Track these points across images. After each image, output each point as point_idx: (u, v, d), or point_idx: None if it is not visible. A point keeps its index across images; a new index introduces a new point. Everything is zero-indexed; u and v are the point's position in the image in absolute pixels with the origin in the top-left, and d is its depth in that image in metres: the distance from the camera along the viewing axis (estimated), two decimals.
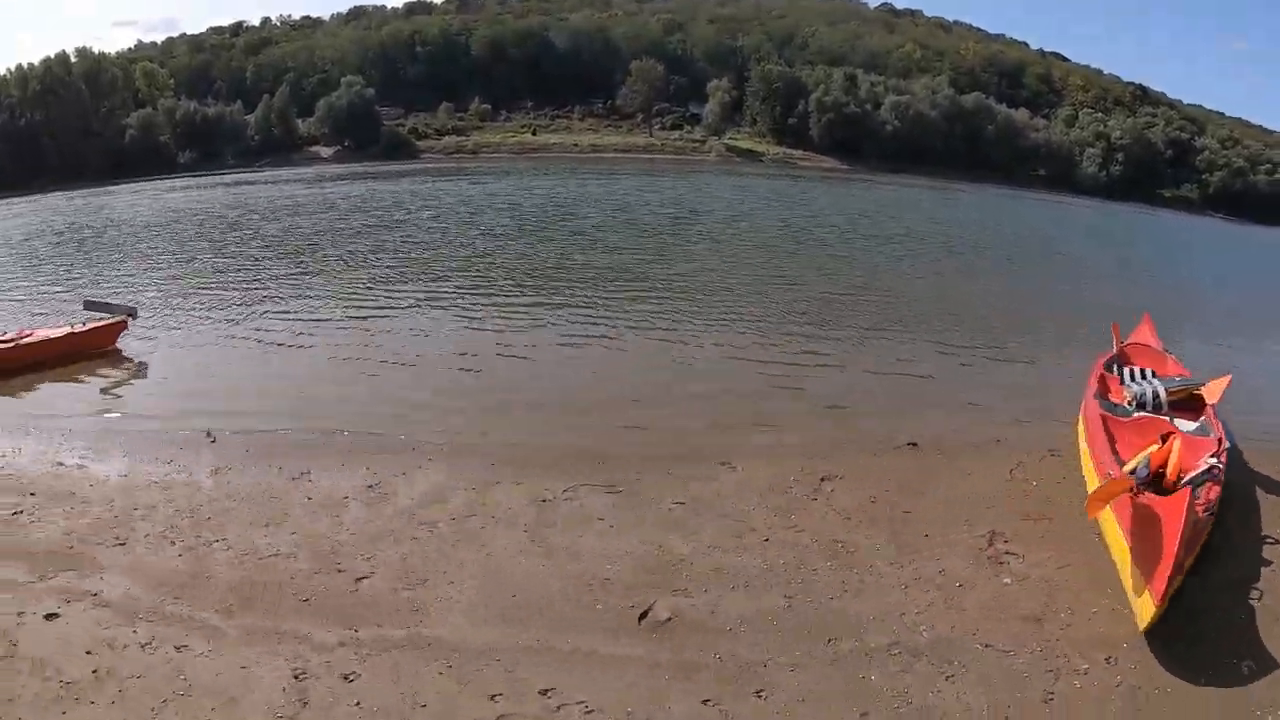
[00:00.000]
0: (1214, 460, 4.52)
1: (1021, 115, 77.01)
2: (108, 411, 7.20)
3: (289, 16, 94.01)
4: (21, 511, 4.88)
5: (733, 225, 22.07)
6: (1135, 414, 5.72)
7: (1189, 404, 5.94)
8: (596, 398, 7.35)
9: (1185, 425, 5.41)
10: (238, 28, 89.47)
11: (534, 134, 74.79)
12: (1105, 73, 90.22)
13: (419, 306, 10.91)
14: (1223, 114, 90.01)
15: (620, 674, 3.36)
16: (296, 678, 3.33)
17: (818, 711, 3.16)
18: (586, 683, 3.31)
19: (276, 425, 6.39)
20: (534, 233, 19.09)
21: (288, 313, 10.62)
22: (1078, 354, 8.79)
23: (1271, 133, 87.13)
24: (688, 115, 78.94)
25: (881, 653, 3.48)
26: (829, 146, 71.72)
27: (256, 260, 15.18)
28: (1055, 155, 75.43)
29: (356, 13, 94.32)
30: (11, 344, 8.54)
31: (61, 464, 5.69)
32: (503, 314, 10.51)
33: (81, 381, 8.22)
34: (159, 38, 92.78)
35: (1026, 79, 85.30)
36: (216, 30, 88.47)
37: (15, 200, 40.22)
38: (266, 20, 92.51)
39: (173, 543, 4.41)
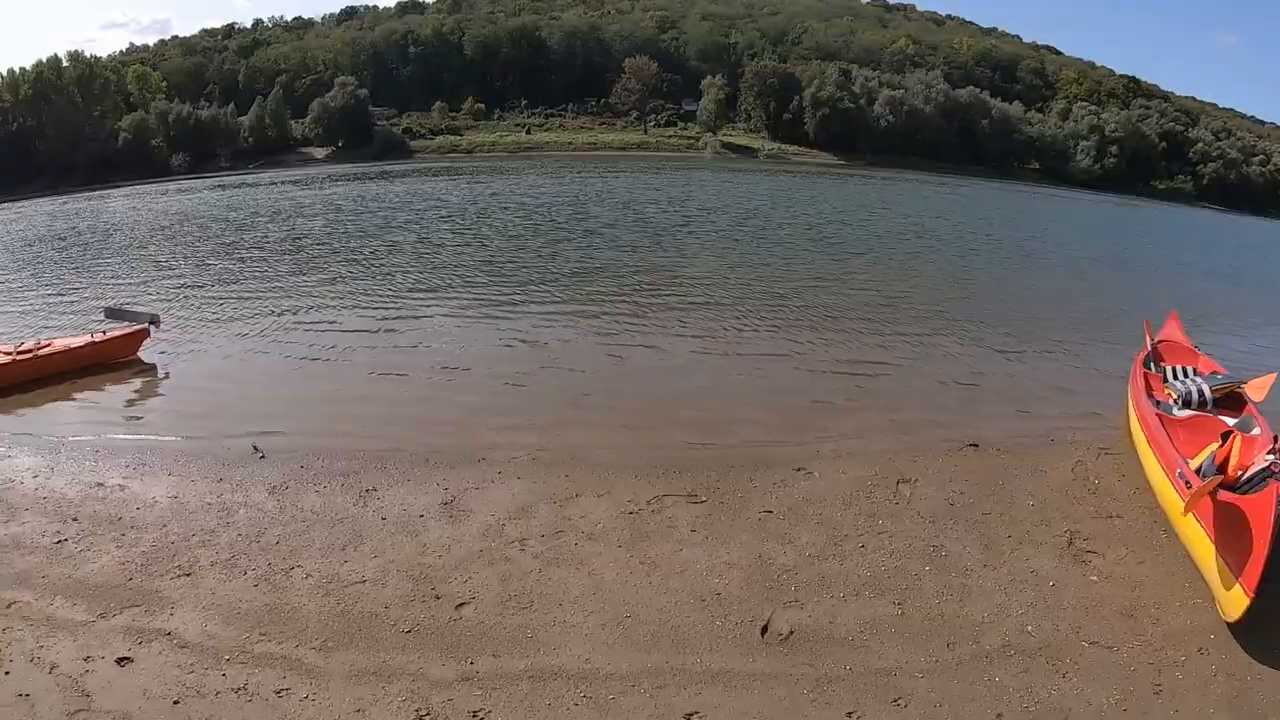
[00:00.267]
0: (1273, 457, 4.53)
1: (1015, 109, 77.15)
2: (138, 426, 6.83)
3: (281, 18, 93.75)
4: (66, 539, 4.56)
5: (745, 224, 21.79)
6: (1183, 412, 5.80)
7: (1227, 401, 6.01)
8: (652, 404, 7.10)
9: (1230, 422, 5.41)
10: (230, 30, 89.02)
11: (528, 133, 74.54)
12: (1099, 65, 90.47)
13: (448, 312, 10.54)
14: (1215, 105, 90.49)
15: (760, 691, 3.30)
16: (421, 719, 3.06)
17: (957, 715, 3.19)
18: (729, 703, 3.24)
19: (325, 439, 6.07)
20: (548, 232, 18.76)
21: (313, 320, 10.25)
22: (1108, 350, 9.06)
23: (1264, 124, 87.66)
24: (682, 112, 78.82)
25: (999, 654, 3.53)
26: (824, 142, 71.78)
27: (271, 265, 14.78)
28: (1049, 148, 75.59)
29: (348, 13, 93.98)
30: (31, 355, 8.17)
31: (101, 484, 5.36)
32: (538, 319, 10.14)
33: (106, 394, 7.86)
34: (150, 40, 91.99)
35: (1020, 73, 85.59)
36: (209, 33, 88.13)
37: (7, 204, 39.71)
38: (259, 22, 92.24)
39: (244, 572, 4.10)
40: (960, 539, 4.52)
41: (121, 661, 3.41)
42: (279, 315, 10.56)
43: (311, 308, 10.91)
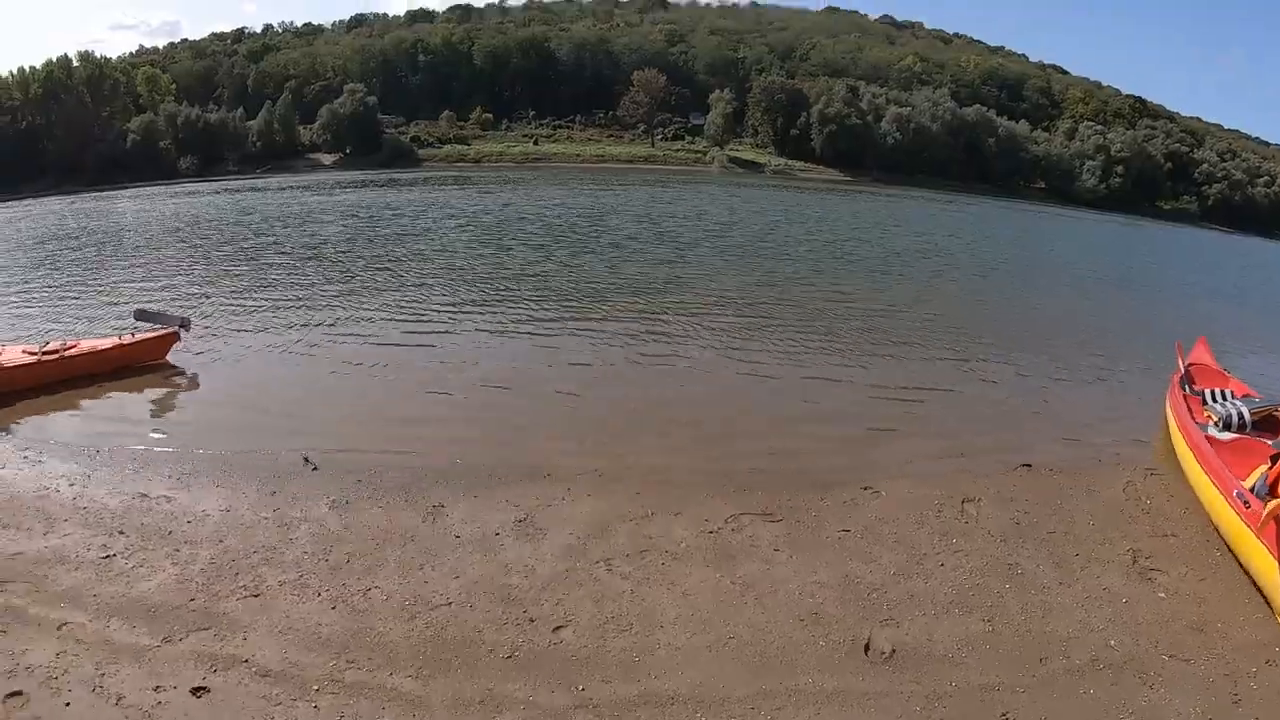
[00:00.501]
0: None
1: (1022, 128, 77.39)
2: (175, 434, 6.55)
3: (291, 23, 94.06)
4: (115, 554, 4.29)
5: (766, 240, 21.68)
6: (1226, 435, 5.89)
7: (1264, 424, 6.20)
8: (706, 422, 6.94)
9: (1271, 444, 5.56)
10: (240, 34, 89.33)
11: (536, 144, 74.59)
12: (1104, 85, 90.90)
13: (484, 326, 10.25)
14: (1220, 126, 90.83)
15: (875, 710, 3.33)
16: None
17: None
18: None
19: (376, 453, 5.81)
20: (571, 244, 18.56)
21: (345, 330, 9.96)
22: (1139, 371, 9.40)
23: (1268, 145, 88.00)
24: (689, 126, 78.93)
25: (1089, 668, 3.63)
26: (830, 158, 71.80)
27: (295, 271, 14.51)
28: (1055, 168, 75.76)
29: (358, 20, 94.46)
30: (57, 356, 7.92)
31: (145, 495, 5.10)
32: (575, 333, 9.91)
33: (137, 399, 7.60)
34: (160, 42, 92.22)
35: (1026, 91, 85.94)
36: (218, 36, 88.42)
37: (14, 202, 39.56)
38: (269, 27, 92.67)
39: (317, 593, 3.85)
40: (1032, 557, 4.63)
41: (197, 692, 3.15)
42: (309, 323, 10.29)
43: (341, 317, 10.64)
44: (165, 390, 7.88)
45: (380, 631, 3.58)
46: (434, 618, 3.72)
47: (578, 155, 72.12)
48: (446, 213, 26.35)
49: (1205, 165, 77.78)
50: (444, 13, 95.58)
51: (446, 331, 9.94)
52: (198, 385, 8.03)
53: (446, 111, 75.97)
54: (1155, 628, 3.96)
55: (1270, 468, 4.66)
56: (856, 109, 73.18)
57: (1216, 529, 4.93)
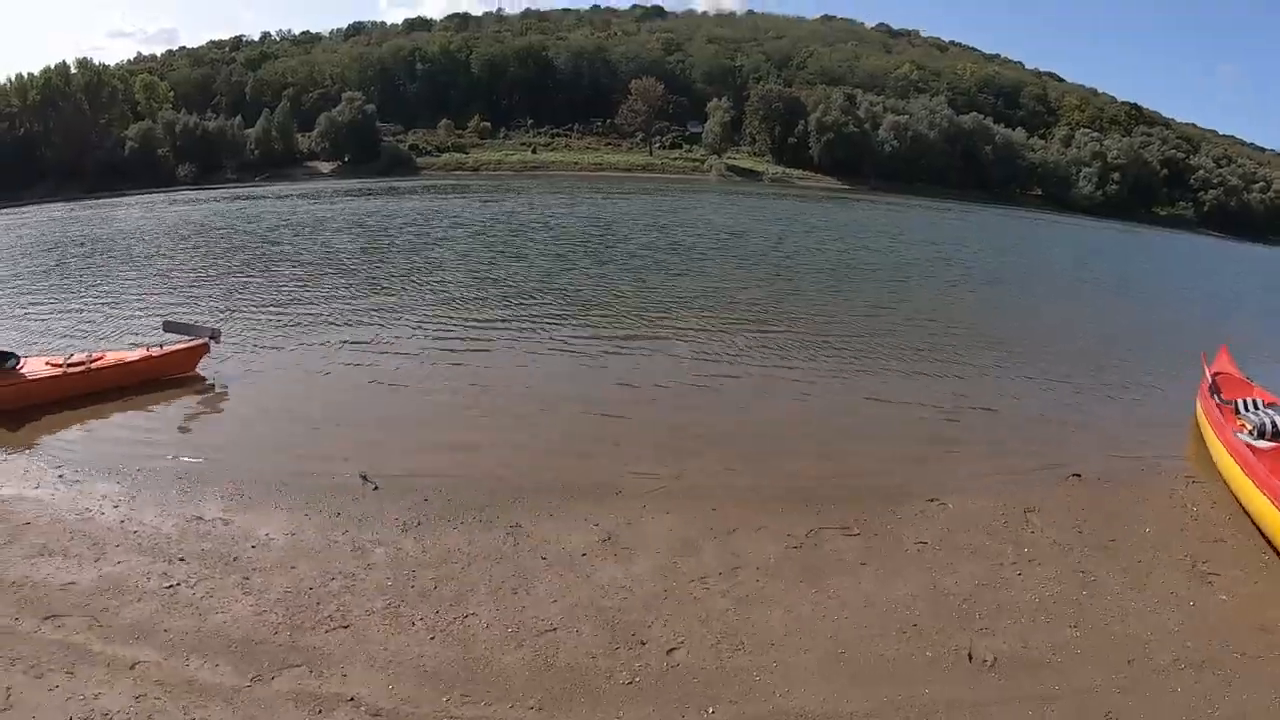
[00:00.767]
0: None
1: (1018, 135, 77.64)
2: (217, 451, 6.31)
3: (289, 31, 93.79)
4: (179, 584, 4.07)
5: (778, 249, 21.61)
6: (1263, 443, 5.99)
7: None
8: (762, 436, 6.91)
9: None
10: (237, 42, 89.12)
11: (534, 152, 74.46)
12: (1100, 92, 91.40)
13: (518, 338, 10.02)
14: (1216, 133, 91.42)
15: (993, 717, 3.40)
16: None
17: None
18: None
19: (434, 472, 5.60)
20: (589, 254, 18.40)
21: (372, 342, 9.74)
22: (1161, 379, 9.63)
23: (1264, 151, 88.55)
24: (687, 134, 78.93)
25: (1172, 668, 3.76)
26: (828, 166, 71.83)
27: (312, 280, 14.24)
28: (1052, 175, 76.04)
29: (356, 29, 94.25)
30: (83, 368, 7.67)
31: (200, 518, 4.87)
32: (618, 348, 9.72)
33: (169, 413, 7.38)
34: (157, 50, 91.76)
35: (1023, 99, 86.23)
36: (216, 44, 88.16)
37: (12, 209, 39.16)
38: (266, 35, 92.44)
39: (411, 622, 3.66)
40: (1101, 565, 4.76)
41: None
42: (336, 336, 10.05)
43: (369, 330, 10.40)
44: (198, 405, 7.65)
45: (489, 661, 3.44)
46: (541, 645, 3.61)
47: (576, 164, 71.99)
48: (454, 221, 26.15)
49: (1201, 171, 78.11)
50: (441, 21, 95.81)
51: (482, 348, 9.68)
52: (231, 399, 7.80)
53: (444, 120, 75.81)
54: (1224, 629, 4.08)
55: None
56: (854, 117, 73.33)
57: (1264, 534, 5.11)
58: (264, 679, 3.24)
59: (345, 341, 9.75)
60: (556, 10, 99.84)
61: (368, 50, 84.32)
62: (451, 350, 9.43)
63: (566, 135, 78.80)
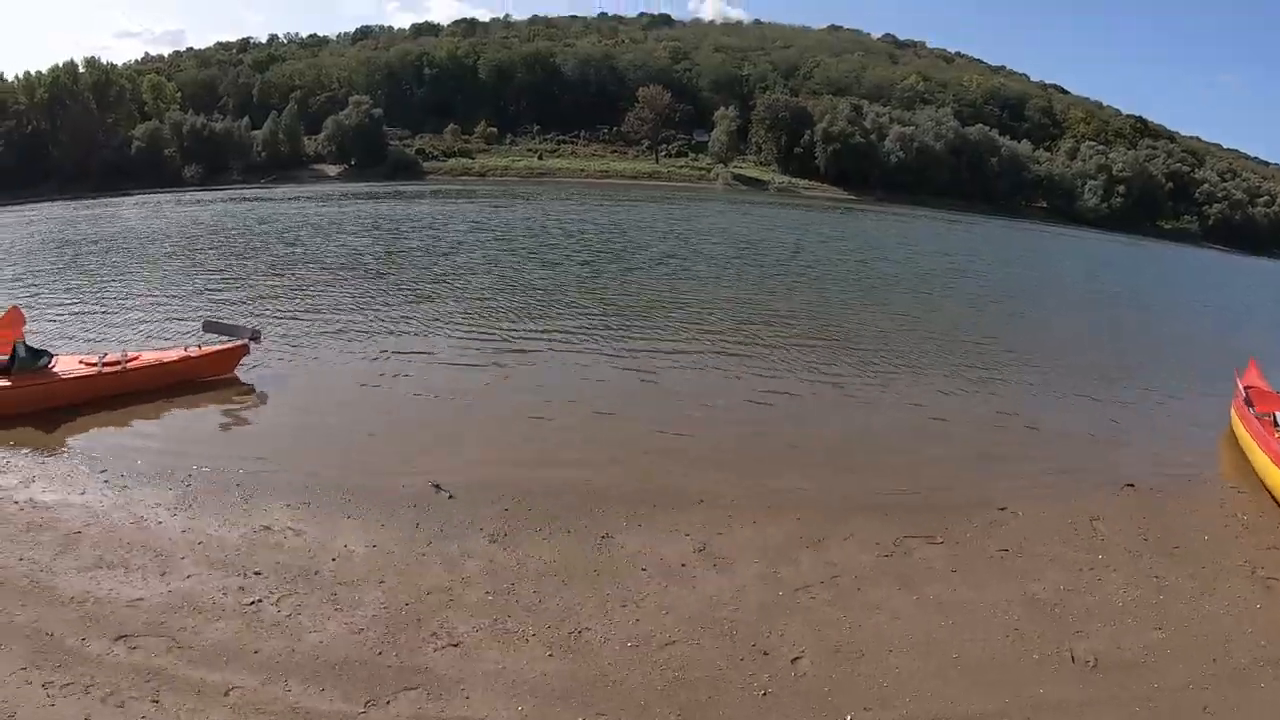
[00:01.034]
0: None
1: (1024, 147, 77.71)
2: (268, 455, 6.05)
3: (296, 34, 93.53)
4: (261, 600, 3.81)
5: (797, 259, 21.68)
6: None
7: None
8: (828, 447, 7.01)
9: None
10: (245, 44, 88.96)
11: (540, 159, 74.35)
12: (1105, 105, 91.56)
13: (564, 345, 9.84)
14: (1220, 146, 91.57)
15: (1104, 714, 3.48)
16: None
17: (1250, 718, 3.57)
18: None
19: (504, 480, 5.37)
20: (615, 260, 18.29)
21: (410, 347, 9.49)
22: (1190, 390, 10.03)
23: (1268, 165, 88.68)
24: (693, 143, 78.86)
25: (1253, 666, 3.90)
26: (834, 176, 71.75)
27: (337, 284, 13.96)
28: (1057, 187, 76.08)
29: (364, 33, 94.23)
30: (119, 368, 7.42)
31: (268, 528, 4.61)
32: (660, 357, 9.57)
33: (211, 415, 7.14)
34: (164, 51, 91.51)
35: (1028, 111, 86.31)
36: (224, 46, 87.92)
37: (20, 207, 38.91)
38: (274, 38, 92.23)
39: (524, 638, 3.50)
40: (1170, 570, 4.92)
41: None
42: (375, 341, 9.82)
43: (408, 335, 10.17)
44: (240, 407, 7.39)
45: (616, 678, 3.33)
46: (665, 658, 3.53)
47: (582, 170, 71.93)
48: (471, 225, 25.96)
49: (1206, 185, 78.25)
50: (449, 26, 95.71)
51: (526, 357, 9.43)
52: (275, 404, 7.55)
53: (451, 125, 75.68)
54: None
55: None
56: (860, 127, 73.30)
57: None
58: (379, 704, 3.01)
59: (386, 348, 9.50)
60: (564, 17, 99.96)
61: (375, 54, 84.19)
62: (497, 359, 9.18)
63: (573, 142, 78.69)
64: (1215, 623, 4.28)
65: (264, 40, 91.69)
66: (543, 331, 10.48)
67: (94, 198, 45.81)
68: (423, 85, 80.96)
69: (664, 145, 77.72)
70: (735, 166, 74.29)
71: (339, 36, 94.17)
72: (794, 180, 72.58)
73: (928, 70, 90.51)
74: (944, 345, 11.60)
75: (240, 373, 8.18)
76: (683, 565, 4.44)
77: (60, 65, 59.98)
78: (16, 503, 5.16)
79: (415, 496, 5.03)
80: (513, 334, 10.35)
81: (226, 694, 3.11)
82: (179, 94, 69.91)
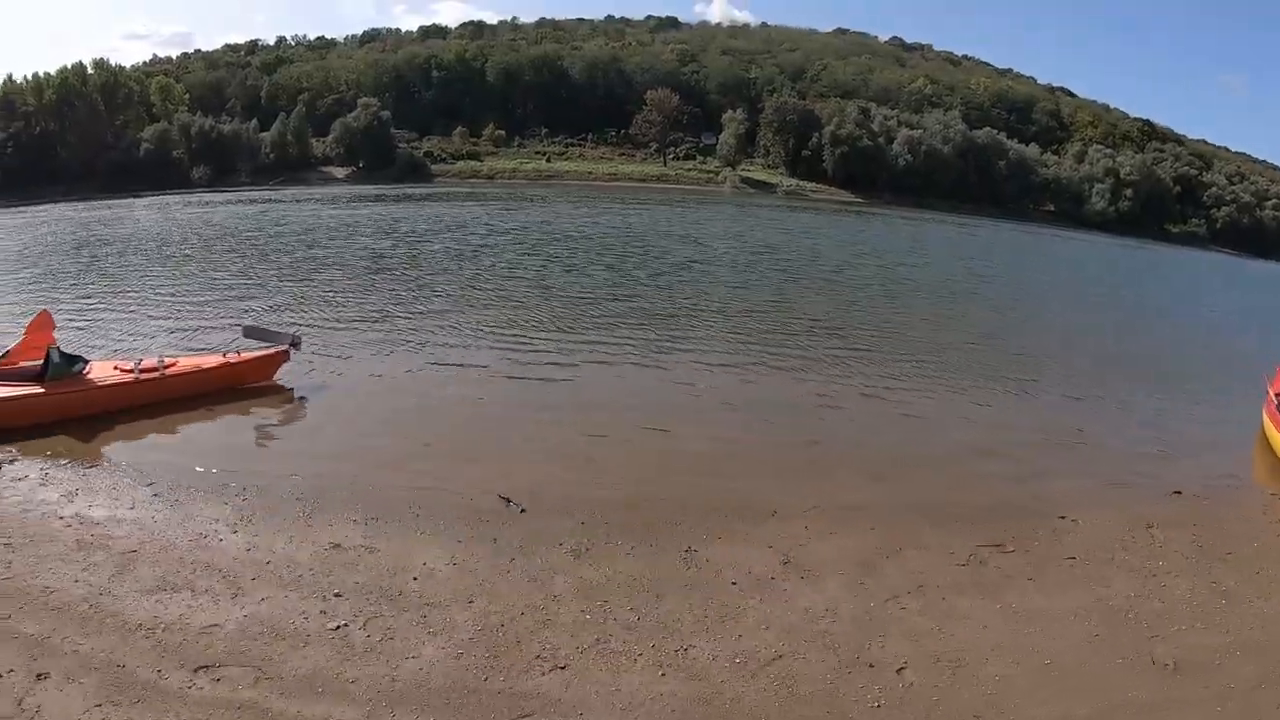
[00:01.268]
0: None
1: (1032, 150, 77.46)
2: (321, 467, 5.84)
3: (304, 36, 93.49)
4: (347, 625, 3.61)
5: (817, 264, 21.69)
6: None
7: None
8: (884, 457, 7.00)
9: None
10: (253, 46, 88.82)
11: (549, 161, 74.18)
12: (1113, 108, 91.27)
13: (601, 355, 9.64)
14: (1228, 150, 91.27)
15: (1190, 714, 3.58)
16: None
17: None
18: None
19: (568, 493, 5.21)
20: (639, 265, 18.14)
21: (451, 357, 9.29)
22: (1220, 396, 10.27)
23: (1277, 168, 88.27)
24: (701, 145, 78.68)
25: None
26: (842, 179, 71.51)
27: (365, 288, 13.75)
28: (1064, 190, 75.81)
29: (371, 35, 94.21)
30: (156, 374, 7.23)
31: (338, 545, 4.41)
32: (704, 365, 9.45)
33: (255, 423, 6.97)
34: (172, 53, 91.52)
35: (1036, 114, 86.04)
36: (232, 48, 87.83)
37: (27, 208, 38.82)
38: (282, 40, 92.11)
39: (632, 658, 3.42)
40: (1227, 575, 5.02)
41: None
42: (412, 349, 9.65)
43: (445, 343, 9.97)
44: (285, 416, 7.21)
45: (732, 695, 3.30)
46: (775, 673, 3.51)
47: (590, 173, 71.72)
48: (487, 228, 25.80)
49: (1214, 188, 77.94)
50: (456, 29, 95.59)
51: (568, 367, 9.22)
52: (319, 412, 7.36)
53: (459, 127, 75.52)
54: None
55: None
56: (868, 130, 73.10)
57: None
58: None
59: (422, 356, 9.32)
60: (571, 20, 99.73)
61: (383, 57, 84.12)
62: (539, 369, 8.99)
63: (581, 145, 78.51)
64: (1271, 628, 4.39)
65: (272, 42, 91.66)
66: (580, 340, 10.27)
67: (102, 199, 45.74)
68: (430, 88, 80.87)
69: (672, 148, 77.49)
70: (743, 169, 74.07)
71: (346, 39, 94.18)
72: (802, 183, 72.33)
73: (935, 73, 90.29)
74: (978, 354, 11.65)
75: (279, 379, 7.97)
76: (771, 578, 4.42)
77: (69, 66, 59.99)
78: (62, 518, 4.96)
79: (486, 511, 4.87)
80: (549, 342, 10.16)
81: None
82: (187, 96, 69.79)
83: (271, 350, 7.95)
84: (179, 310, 11.49)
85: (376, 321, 10.95)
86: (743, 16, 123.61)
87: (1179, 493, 6.48)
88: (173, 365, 7.49)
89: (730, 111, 74.95)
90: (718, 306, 13.28)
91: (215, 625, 3.71)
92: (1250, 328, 18.74)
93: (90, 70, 61.08)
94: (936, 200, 68.48)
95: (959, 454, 7.22)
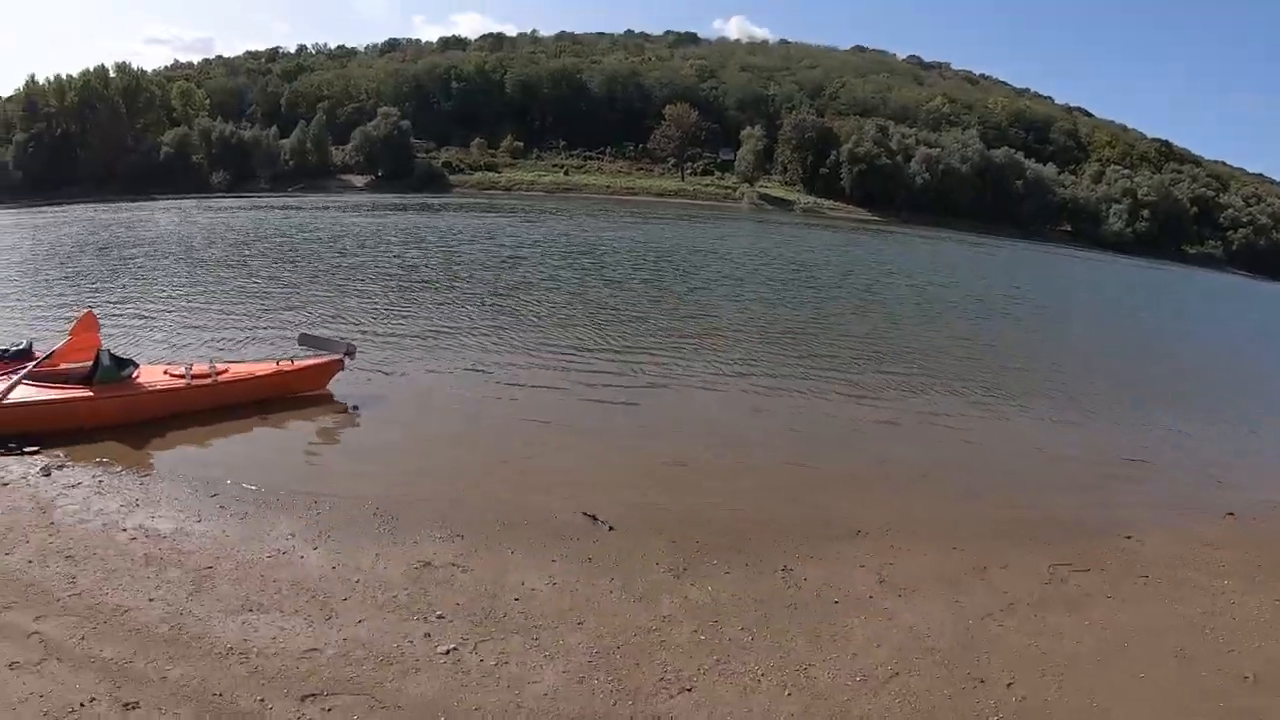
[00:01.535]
0: None
1: (1049, 170, 77.35)
2: (392, 479, 5.61)
3: (325, 45, 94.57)
4: (456, 648, 3.38)
5: (848, 281, 21.51)
6: None
7: None
8: (947, 475, 6.96)
9: None
10: (274, 53, 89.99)
11: (566, 174, 74.51)
12: (1130, 128, 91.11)
13: (656, 374, 9.37)
14: (1245, 171, 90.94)
15: None
16: None
17: None
18: None
19: (652, 511, 5.05)
20: (674, 280, 17.96)
21: (507, 372, 8.98)
22: (1260, 420, 10.49)
23: None
24: (719, 161, 78.84)
25: None
26: (859, 197, 71.50)
27: (405, 298, 13.48)
28: (1082, 211, 75.62)
29: (392, 45, 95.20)
30: (209, 380, 7.03)
31: (428, 564, 4.19)
32: (759, 385, 9.27)
33: (312, 432, 6.74)
34: (194, 58, 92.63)
35: (1053, 134, 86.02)
36: (253, 55, 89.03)
37: (52, 209, 39.10)
38: (302, 48, 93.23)
39: (755, 678, 3.42)
40: None
41: None
42: (464, 361, 9.34)
43: (499, 358, 9.64)
44: (344, 426, 6.99)
45: (859, 714, 3.31)
46: (896, 691, 3.52)
47: (608, 187, 71.97)
48: (514, 239, 25.70)
49: (1230, 210, 77.67)
50: (476, 40, 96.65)
51: (625, 386, 8.89)
52: (380, 424, 7.12)
53: (477, 139, 76.04)
54: None
55: None
56: (886, 149, 73.15)
57: None
58: None
59: (475, 368, 9.06)
60: (591, 34, 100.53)
61: (403, 66, 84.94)
62: (595, 384, 8.71)
63: (599, 158, 78.87)
64: None
65: (293, 50, 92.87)
66: (635, 360, 9.97)
67: (123, 201, 46.06)
68: (450, 98, 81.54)
69: (690, 163, 77.73)
70: (761, 186, 74.19)
71: (367, 48, 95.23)
72: (819, 200, 72.40)
73: (953, 92, 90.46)
74: (1021, 374, 11.73)
75: (331, 389, 7.78)
76: (870, 597, 4.37)
77: (90, 69, 60.80)
78: (125, 530, 4.70)
79: (571, 528, 4.68)
80: (601, 356, 9.92)
81: None
82: (208, 101, 70.57)
83: (327, 359, 7.75)
84: (218, 316, 11.31)
85: (421, 331, 10.75)
86: (761, 33, 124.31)
87: (1232, 514, 6.53)
88: (225, 371, 7.28)
89: (748, 128, 75.19)
90: (760, 325, 13.08)
91: (314, 649, 3.47)
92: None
93: (112, 73, 61.87)
94: (953, 219, 68.40)
95: (1022, 474, 7.24)
